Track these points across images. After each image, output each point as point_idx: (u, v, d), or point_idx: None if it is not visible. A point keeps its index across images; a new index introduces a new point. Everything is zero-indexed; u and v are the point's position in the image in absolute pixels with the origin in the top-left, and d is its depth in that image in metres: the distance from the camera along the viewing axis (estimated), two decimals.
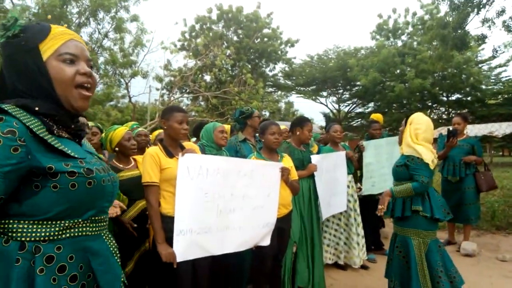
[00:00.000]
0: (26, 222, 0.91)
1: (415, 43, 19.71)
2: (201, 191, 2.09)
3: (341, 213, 3.77)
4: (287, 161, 2.79)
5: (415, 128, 2.60)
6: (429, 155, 2.48)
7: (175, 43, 18.32)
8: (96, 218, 1.03)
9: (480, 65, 20.18)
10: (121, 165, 2.58)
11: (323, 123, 20.17)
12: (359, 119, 25.57)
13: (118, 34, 13.32)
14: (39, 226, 0.92)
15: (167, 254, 1.98)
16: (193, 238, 2.05)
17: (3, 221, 0.91)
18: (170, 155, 2.16)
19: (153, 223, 2.06)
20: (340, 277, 3.70)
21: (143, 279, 2.49)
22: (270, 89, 24.64)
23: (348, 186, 3.85)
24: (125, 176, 2.53)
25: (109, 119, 13.59)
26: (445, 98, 21.31)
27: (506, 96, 19.79)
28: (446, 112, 22.23)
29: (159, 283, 2.18)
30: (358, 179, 4.39)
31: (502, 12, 6.85)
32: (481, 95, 19.69)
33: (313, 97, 25.91)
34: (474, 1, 6.93)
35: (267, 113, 19.74)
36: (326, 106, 26.53)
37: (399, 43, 21.06)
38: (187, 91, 15.88)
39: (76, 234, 0.97)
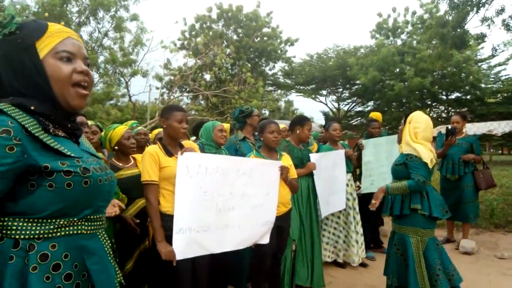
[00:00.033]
0: (22, 220, 0.91)
1: (414, 42, 19.73)
2: (200, 190, 2.10)
3: (340, 211, 3.79)
4: (286, 160, 2.80)
5: (414, 126, 2.60)
6: (428, 154, 2.49)
7: (175, 42, 18.35)
8: (92, 217, 1.02)
9: (479, 64, 20.19)
10: (120, 164, 2.59)
11: (323, 122, 20.17)
12: (359, 118, 25.58)
13: (118, 33, 13.33)
14: (34, 224, 0.91)
15: (167, 252, 1.99)
16: (193, 237, 2.06)
17: None
18: (170, 154, 2.17)
19: (153, 221, 2.07)
20: (339, 275, 3.71)
21: (143, 278, 2.50)
22: (270, 88, 24.66)
23: (347, 185, 3.86)
24: (124, 174, 2.54)
25: (109, 118, 13.59)
26: (444, 97, 21.33)
27: (505, 94, 19.80)
28: (445, 111, 22.25)
29: (159, 281, 2.19)
30: (357, 177, 4.40)
31: (501, 11, 6.85)
32: (481, 93, 19.69)
33: (313, 96, 25.92)
34: (474, 0, 6.93)
35: (267, 112, 19.77)
36: (326, 105, 26.56)
37: (399, 42, 21.08)
38: (187, 90, 15.88)
39: (71, 232, 0.97)
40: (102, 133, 2.73)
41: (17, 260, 0.88)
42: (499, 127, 15.67)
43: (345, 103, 26.29)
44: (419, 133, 2.57)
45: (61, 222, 0.94)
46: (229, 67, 18.16)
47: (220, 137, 2.97)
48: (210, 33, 18.63)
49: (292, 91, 25.95)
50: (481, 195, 5.34)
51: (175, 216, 2.00)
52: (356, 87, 23.13)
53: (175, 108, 2.28)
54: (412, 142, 2.55)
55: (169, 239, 2.01)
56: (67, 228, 0.96)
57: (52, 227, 0.93)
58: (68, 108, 1.01)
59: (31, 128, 0.91)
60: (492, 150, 28.81)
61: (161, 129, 2.88)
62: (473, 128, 14.68)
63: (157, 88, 15.76)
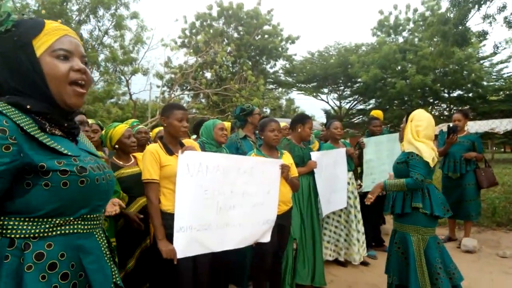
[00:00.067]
0: (17, 219, 0.90)
1: (416, 39, 19.65)
2: (201, 188, 2.10)
3: (341, 210, 3.78)
4: (287, 158, 2.79)
5: (416, 125, 2.59)
6: (430, 153, 2.48)
7: (175, 40, 18.30)
8: (89, 216, 1.01)
9: (481, 62, 20.12)
10: (121, 163, 2.59)
11: (324, 120, 20.13)
12: (360, 116, 25.53)
13: (118, 31, 13.30)
14: (30, 224, 0.91)
15: (168, 250, 1.99)
16: (193, 235, 2.06)
17: None
18: (170, 152, 2.16)
19: (153, 220, 2.07)
20: (340, 273, 3.71)
21: (144, 276, 2.50)
22: (271, 86, 24.62)
23: (348, 183, 3.85)
24: (125, 173, 2.54)
25: (110, 116, 13.58)
26: (446, 95, 21.26)
27: (507, 92, 19.71)
28: (447, 109, 22.19)
29: (160, 280, 2.19)
30: (358, 176, 4.39)
31: (503, 8, 6.81)
32: (483, 91, 19.63)
33: (314, 94, 25.87)
34: None
35: (268, 110, 19.73)
36: (327, 103, 26.51)
37: (400, 40, 21.00)
38: (188, 88, 15.87)
39: (67, 231, 0.96)
40: (103, 132, 2.73)
41: (13, 259, 0.88)
42: (501, 125, 15.63)
43: (346, 101, 26.25)
44: (421, 132, 2.56)
45: (57, 221, 0.94)
46: (230, 65, 18.12)
47: (220, 136, 2.96)
48: (211, 31, 18.59)
49: (293, 89, 25.91)
50: (483, 193, 5.32)
51: (175, 215, 2.00)
52: (357, 85, 23.07)
53: (175, 106, 2.27)
54: (414, 141, 2.54)
55: (170, 237, 2.01)
56: (63, 227, 0.95)
57: (48, 226, 0.92)
58: (65, 107, 1.00)
59: (26, 127, 0.90)
60: (494, 148, 28.73)
61: (162, 128, 2.87)
62: (475, 126, 14.65)
63: (158, 87, 15.76)
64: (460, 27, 7.38)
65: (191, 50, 15.49)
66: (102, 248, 1.06)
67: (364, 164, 4.22)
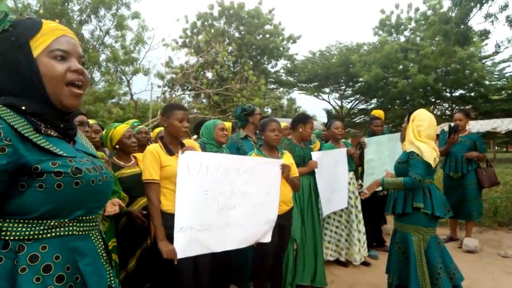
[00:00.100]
0: (12, 220, 0.90)
1: (418, 38, 19.60)
2: (201, 188, 2.10)
3: (342, 210, 3.77)
4: (288, 158, 2.79)
5: (417, 125, 2.59)
6: (431, 153, 2.48)
7: (176, 40, 18.29)
8: (85, 218, 1.00)
9: (483, 61, 20.03)
10: (121, 163, 2.59)
11: (326, 120, 20.11)
12: (362, 116, 25.48)
13: (119, 31, 13.33)
14: (24, 225, 0.90)
15: (168, 251, 1.99)
16: (194, 235, 2.06)
17: None
18: (170, 152, 2.17)
19: (154, 220, 2.07)
20: (341, 273, 3.70)
21: (145, 276, 2.51)
22: (272, 86, 24.59)
23: (349, 183, 3.85)
24: (126, 173, 2.55)
25: (111, 116, 13.60)
26: (448, 94, 21.19)
27: (510, 91, 19.62)
28: (449, 108, 22.11)
29: (160, 280, 2.19)
30: (359, 176, 4.38)
31: (505, 7, 6.79)
32: (485, 90, 19.56)
33: (316, 94, 25.84)
34: None
35: (269, 110, 19.72)
36: (329, 102, 26.48)
37: (402, 39, 20.95)
38: (189, 88, 15.87)
39: (62, 233, 0.95)
40: (103, 132, 2.73)
41: (6, 261, 0.87)
42: (502, 125, 15.54)
43: (348, 100, 26.20)
44: (423, 131, 2.55)
45: (52, 223, 0.93)
46: (231, 65, 18.12)
47: (221, 136, 2.96)
48: (212, 30, 18.60)
49: (295, 88, 25.88)
50: (484, 193, 5.30)
51: (176, 215, 2.00)
52: (359, 84, 23.03)
53: (176, 106, 2.28)
54: (415, 141, 2.54)
55: (170, 237, 2.01)
56: (58, 229, 0.94)
57: (42, 228, 0.92)
58: (62, 108, 1.00)
59: (20, 128, 0.89)
60: (496, 148, 28.65)
61: (163, 128, 2.88)
62: (477, 126, 14.58)
63: (159, 87, 15.79)
64: (462, 26, 7.35)
65: (192, 50, 15.49)
66: (99, 250, 1.05)
67: (365, 164, 4.21)
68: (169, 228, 2.01)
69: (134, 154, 2.71)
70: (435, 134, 2.64)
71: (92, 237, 1.04)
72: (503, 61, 19.93)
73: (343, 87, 25.04)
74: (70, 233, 0.97)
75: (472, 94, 20.30)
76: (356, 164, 4.14)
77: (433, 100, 21.61)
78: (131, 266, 2.47)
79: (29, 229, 0.90)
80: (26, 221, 0.90)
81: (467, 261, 3.93)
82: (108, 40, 13.78)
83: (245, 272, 3.07)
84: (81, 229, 1.00)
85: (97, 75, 13.62)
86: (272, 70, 22.68)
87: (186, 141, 2.40)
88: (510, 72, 20.35)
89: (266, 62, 21.59)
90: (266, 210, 2.45)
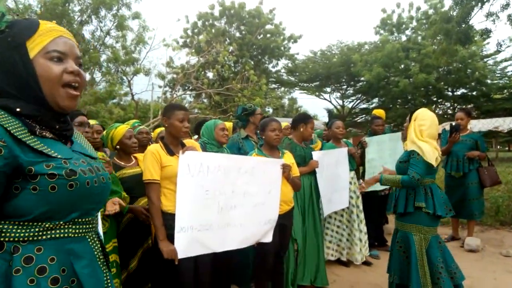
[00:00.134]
0: (7, 222, 0.89)
1: (419, 37, 19.57)
2: (201, 188, 2.10)
3: (343, 209, 3.77)
4: (288, 158, 2.78)
5: (419, 124, 2.58)
6: (433, 153, 2.47)
7: (177, 40, 18.27)
8: (80, 220, 1.00)
9: (485, 60, 19.99)
10: (122, 163, 2.60)
11: (327, 119, 20.10)
12: (364, 115, 25.45)
13: (120, 31, 13.35)
14: (20, 227, 0.90)
15: (169, 251, 1.99)
16: (194, 235, 2.06)
17: None
18: (171, 153, 2.17)
19: (154, 220, 2.07)
20: (343, 273, 3.70)
21: (146, 276, 2.51)
22: (273, 86, 24.59)
23: (351, 183, 3.84)
24: (127, 173, 2.55)
25: (112, 117, 13.63)
26: (450, 93, 21.14)
27: (511, 90, 19.58)
28: (451, 107, 22.06)
29: (161, 280, 2.20)
30: (360, 175, 4.37)
31: (506, 5, 6.77)
32: (487, 89, 19.50)
33: (317, 93, 25.82)
34: None
35: (271, 110, 19.72)
36: (330, 102, 26.46)
37: (403, 38, 20.93)
38: (190, 88, 15.88)
39: (57, 235, 0.94)
40: (104, 133, 2.74)
41: (1, 263, 0.87)
42: (504, 124, 15.49)
43: (349, 100, 26.17)
44: (425, 131, 2.55)
45: (47, 225, 0.92)
46: (232, 65, 18.14)
47: (221, 136, 2.96)
48: (213, 30, 18.61)
49: (296, 88, 25.87)
50: (486, 192, 5.29)
51: (176, 215, 2.00)
52: (360, 84, 23.00)
53: (176, 107, 2.28)
54: (417, 140, 2.53)
55: (171, 238, 2.01)
56: (53, 231, 0.93)
57: (37, 230, 0.91)
58: (58, 109, 0.99)
59: (14, 130, 0.89)
60: (498, 147, 28.58)
61: (163, 128, 2.88)
62: (479, 125, 14.54)
63: (160, 87, 15.83)
64: (463, 25, 7.34)
65: (193, 50, 15.47)
66: (95, 253, 1.04)
67: (366, 163, 4.21)
68: (169, 228, 2.01)
69: (135, 155, 2.72)
70: (437, 133, 2.64)
71: (89, 239, 1.03)
72: (505, 60, 19.90)
73: (345, 87, 25.01)
74: (66, 235, 0.96)
75: (474, 93, 20.25)
76: (357, 163, 4.13)
77: (434, 99, 21.57)
78: (133, 266, 2.47)
79: (24, 231, 0.90)
80: (21, 223, 0.90)
81: (469, 261, 3.92)
82: (109, 41, 13.82)
83: (246, 272, 3.07)
84: (77, 231, 0.99)
85: (98, 76, 13.65)
86: (273, 70, 22.70)
87: (187, 141, 2.40)
88: (511, 71, 20.31)
89: (267, 62, 21.60)
90: (267, 210, 2.45)
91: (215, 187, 2.16)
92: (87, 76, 13.30)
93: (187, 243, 2.03)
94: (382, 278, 3.30)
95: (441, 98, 21.59)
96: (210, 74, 17.10)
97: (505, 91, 20.08)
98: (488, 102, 20.03)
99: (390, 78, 19.92)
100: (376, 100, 23.56)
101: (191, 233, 2.05)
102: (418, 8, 20.02)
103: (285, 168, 2.54)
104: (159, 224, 2.05)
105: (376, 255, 4.16)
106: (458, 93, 20.97)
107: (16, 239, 0.89)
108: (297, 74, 24.06)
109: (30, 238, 0.90)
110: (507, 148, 37.86)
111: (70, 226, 0.97)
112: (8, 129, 0.88)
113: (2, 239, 0.88)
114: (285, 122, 3.87)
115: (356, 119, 26.04)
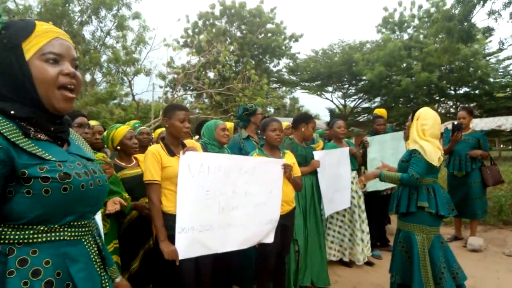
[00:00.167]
0: (2, 225, 0.89)
1: (421, 36, 19.47)
2: (202, 189, 2.10)
3: (345, 209, 3.76)
4: (289, 158, 2.77)
5: (422, 123, 2.57)
6: (435, 153, 2.45)
7: (177, 40, 18.25)
8: (76, 223, 0.99)
9: (487, 58, 19.86)
10: (123, 164, 2.59)
11: (329, 119, 20.01)
12: (366, 114, 25.36)
13: (120, 32, 13.36)
14: (15, 230, 0.90)
15: (169, 251, 1.99)
16: (195, 236, 2.05)
17: None
18: (172, 153, 2.16)
19: (155, 221, 2.07)
20: (345, 273, 3.69)
21: (147, 277, 2.51)
22: (275, 85, 24.56)
23: (352, 182, 3.82)
24: (127, 174, 2.55)
25: (113, 117, 13.65)
26: (452, 92, 21.04)
27: None
28: (454, 106, 21.96)
29: (163, 281, 2.19)
30: (362, 175, 4.35)
31: (508, 3, 6.73)
32: (489, 88, 19.37)
33: (318, 93, 25.75)
34: None
35: (272, 110, 19.70)
36: (332, 101, 26.38)
37: (405, 37, 20.81)
38: (191, 88, 15.88)
39: (53, 238, 0.94)
40: (104, 133, 2.73)
41: None
42: (507, 123, 15.43)
43: (351, 99, 26.08)
44: (427, 130, 2.53)
45: (42, 229, 0.92)
46: (233, 65, 18.11)
47: (222, 136, 2.95)
48: (213, 30, 18.58)
49: (297, 88, 25.81)
50: (489, 191, 5.26)
51: (177, 216, 1.99)
52: (362, 83, 22.92)
53: (177, 107, 2.27)
54: (419, 139, 2.52)
55: (171, 238, 2.01)
56: (48, 234, 0.93)
57: (32, 232, 0.91)
58: (54, 111, 0.98)
59: (7, 133, 0.88)
60: (501, 146, 28.44)
61: (164, 129, 2.87)
62: (481, 124, 14.49)
63: (161, 87, 15.79)
64: (465, 24, 7.30)
65: (194, 50, 15.45)
66: (92, 256, 1.03)
67: (368, 163, 4.19)
68: (170, 229, 2.01)
69: (136, 155, 2.71)
70: (439, 132, 2.62)
71: (85, 243, 1.02)
72: (508, 58, 19.75)
73: (346, 86, 24.93)
74: (61, 238, 0.95)
75: (477, 91, 20.13)
76: (359, 163, 4.12)
77: (437, 98, 21.47)
78: (135, 267, 2.47)
79: (19, 233, 0.90)
80: (16, 226, 0.90)
81: (471, 260, 3.90)
82: (109, 41, 13.84)
83: (247, 273, 3.06)
84: (73, 234, 0.98)
85: (98, 76, 13.67)
86: (274, 69, 22.65)
87: (188, 142, 2.39)
88: None
89: (268, 61, 21.55)
90: (268, 210, 2.44)
91: (216, 187, 2.16)
92: (88, 77, 13.34)
93: (188, 243, 2.03)
94: (385, 278, 3.28)
95: (443, 97, 21.48)
96: (211, 74, 17.07)
97: (508, 89, 19.96)
98: (491, 100, 19.92)
99: (392, 77, 19.85)
100: (378, 99, 23.47)
101: (192, 233, 2.04)
102: (420, 7, 19.93)
103: (286, 168, 2.53)
104: (160, 225, 2.05)
105: (378, 255, 4.14)
106: (461, 91, 20.86)
107: (12, 241, 0.89)
108: (299, 73, 23.99)
109: (25, 241, 0.90)
110: (510, 147, 37.69)
111: (65, 229, 0.96)
112: (2, 132, 0.87)
113: None
114: (286, 122, 3.86)
115: (358, 119, 25.95)
